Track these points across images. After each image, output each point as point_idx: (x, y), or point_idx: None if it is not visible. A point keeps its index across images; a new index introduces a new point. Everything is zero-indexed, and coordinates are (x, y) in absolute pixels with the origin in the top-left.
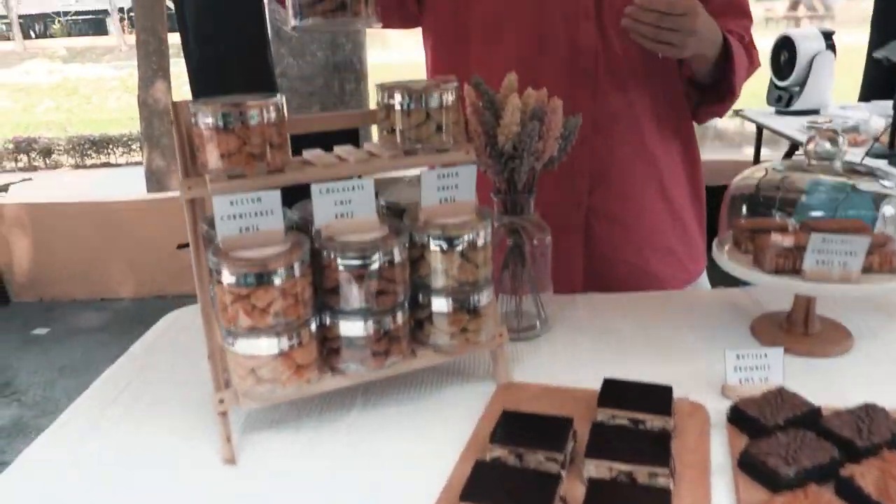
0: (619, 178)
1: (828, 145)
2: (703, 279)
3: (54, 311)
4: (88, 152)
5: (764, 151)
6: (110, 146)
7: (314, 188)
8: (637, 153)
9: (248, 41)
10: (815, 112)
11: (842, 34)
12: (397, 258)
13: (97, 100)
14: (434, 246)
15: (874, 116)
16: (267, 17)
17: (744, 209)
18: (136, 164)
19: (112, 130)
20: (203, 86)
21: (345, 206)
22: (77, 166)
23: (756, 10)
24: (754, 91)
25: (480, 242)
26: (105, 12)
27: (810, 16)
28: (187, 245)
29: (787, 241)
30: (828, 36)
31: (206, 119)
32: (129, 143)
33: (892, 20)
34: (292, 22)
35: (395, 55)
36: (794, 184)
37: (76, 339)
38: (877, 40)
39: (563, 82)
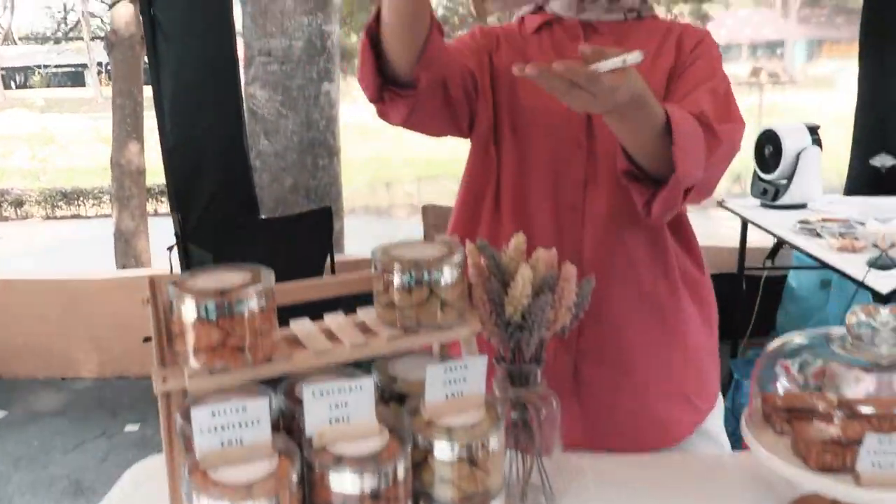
0: (612, 317)
1: (867, 319)
2: (718, 411)
3: (13, 392)
4: (59, 204)
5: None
6: (81, 198)
7: (306, 391)
8: (632, 288)
9: (224, 123)
10: (803, 206)
11: (801, 96)
12: (400, 474)
13: (73, 149)
14: (439, 453)
15: (871, 220)
16: (243, 98)
17: (778, 387)
18: (106, 216)
19: (86, 180)
20: (178, 166)
21: (341, 410)
22: (47, 217)
23: None
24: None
25: (493, 446)
26: (84, 66)
27: (773, 81)
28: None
29: (834, 430)
30: (813, 130)
31: (186, 308)
32: (100, 195)
33: (878, 107)
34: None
35: (366, 114)
36: (834, 365)
37: (34, 425)
38: (861, 135)
39: (550, 212)
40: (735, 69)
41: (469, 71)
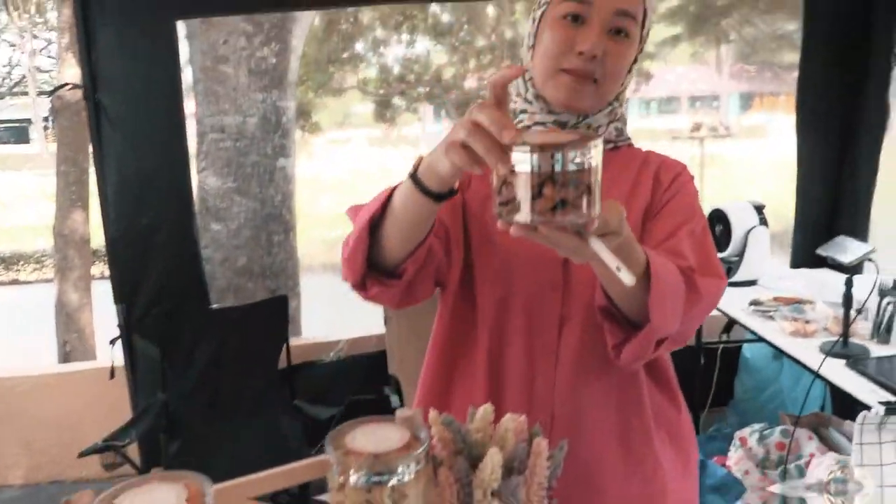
0: (582, 463)
1: (842, 476)
2: None
3: None
4: None
5: None
6: (21, 262)
7: None
8: (602, 432)
9: (173, 211)
10: (754, 283)
11: (738, 146)
12: None
13: (15, 208)
14: None
15: (820, 302)
16: (195, 180)
17: None
18: (47, 280)
19: (29, 240)
20: (122, 256)
21: None
22: None
23: (660, 129)
24: None
25: None
26: (28, 121)
27: (713, 135)
28: (90, 453)
29: None
30: (759, 210)
31: None
32: (42, 258)
33: (817, 175)
34: (518, 219)
35: (321, 166)
36: None
37: None
38: (803, 207)
39: (524, 354)
40: (677, 122)
41: (443, 228)
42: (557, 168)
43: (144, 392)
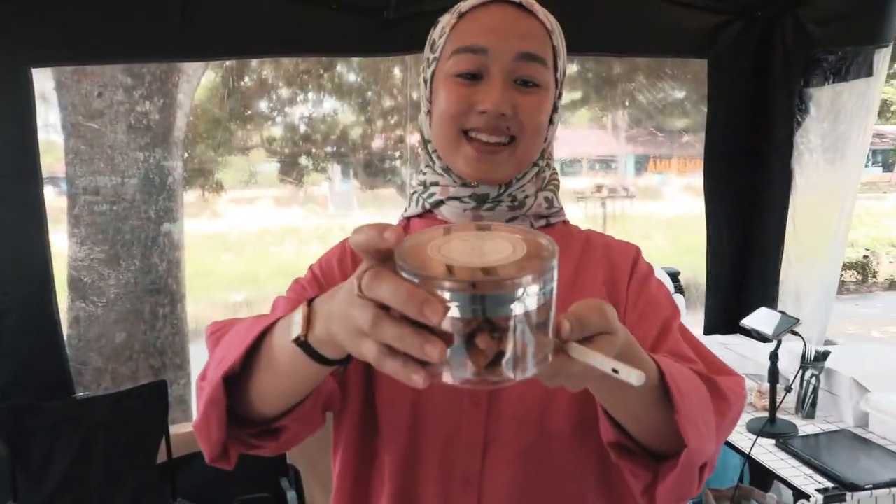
0: None
1: None
2: None
3: None
4: None
5: None
6: None
7: None
8: None
9: (24, 289)
10: None
11: (635, 206)
12: None
13: None
14: None
15: (741, 374)
16: (64, 255)
17: None
18: None
19: None
20: None
21: None
22: None
23: (565, 189)
24: None
25: None
26: None
27: (613, 196)
28: None
29: None
30: (674, 277)
31: None
32: None
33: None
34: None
35: (227, 225)
36: None
37: None
38: (714, 271)
39: (439, 491)
40: (579, 183)
41: None
42: (497, 313)
43: None
